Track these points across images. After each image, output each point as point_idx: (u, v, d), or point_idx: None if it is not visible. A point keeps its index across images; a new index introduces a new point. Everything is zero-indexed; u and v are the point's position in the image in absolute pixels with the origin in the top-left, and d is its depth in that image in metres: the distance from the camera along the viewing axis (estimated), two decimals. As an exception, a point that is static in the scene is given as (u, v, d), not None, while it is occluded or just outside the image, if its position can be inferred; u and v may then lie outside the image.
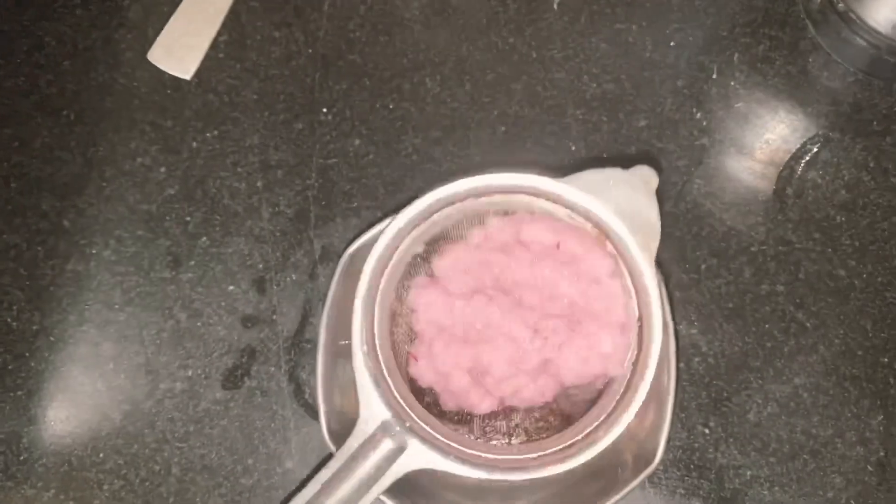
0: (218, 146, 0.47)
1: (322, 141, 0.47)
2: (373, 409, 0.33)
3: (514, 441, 0.37)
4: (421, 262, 0.37)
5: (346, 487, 0.32)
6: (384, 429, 0.33)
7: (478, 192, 0.34)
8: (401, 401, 0.34)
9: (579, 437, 0.33)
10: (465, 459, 0.32)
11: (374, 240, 0.36)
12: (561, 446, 0.33)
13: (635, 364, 0.33)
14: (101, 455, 0.43)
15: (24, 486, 0.43)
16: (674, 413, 0.37)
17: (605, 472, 0.38)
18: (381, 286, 0.35)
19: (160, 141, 0.47)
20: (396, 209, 0.39)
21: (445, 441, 0.33)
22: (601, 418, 0.33)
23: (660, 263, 0.38)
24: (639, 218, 0.33)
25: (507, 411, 0.37)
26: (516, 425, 0.37)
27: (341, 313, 0.37)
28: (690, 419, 0.43)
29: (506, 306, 0.35)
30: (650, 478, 0.42)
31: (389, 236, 0.34)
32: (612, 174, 0.34)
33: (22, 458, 0.43)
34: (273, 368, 0.44)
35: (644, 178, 0.34)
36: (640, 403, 0.32)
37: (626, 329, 0.34)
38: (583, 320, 0.35)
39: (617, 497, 0.36)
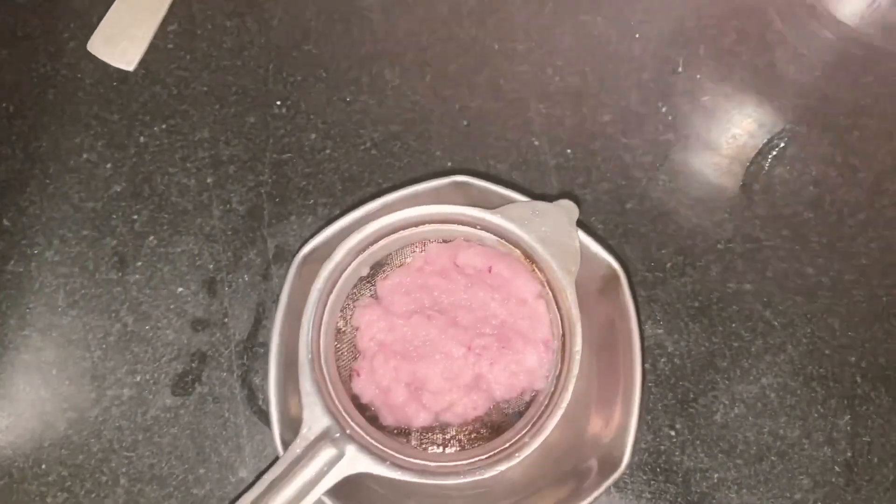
0: (166, 141, 0.45)
1: (276, 135, 0.45)
2: (315, 416, 0.35)
3: (448, 451, 0.38)
4: (366, 283, 0.39)
5: (290, 489, 0.34)
6: (325, 435, 0.34)
7: (419, 221, 0.37)
8: (341, 409, 0.36)
9: (507, 444, 0.35)
10: (400, 465, 0.34)
11: (327, 241, 0.38)
12: (491, 453, 0.35)
13: (558, 377, 0.35)
14: (44, 466, 0.41)
15: (-39, 501, 0.41)
16: (640, 416, 0.36)
17: (570, 479, 0.37)
18: (328, 304, 0.37)
19: (106, 135, 0.45)
20: (354, 206, 0.38)
21: (382, 448, 0.35)
22: (528, 428, 0.35)
23: (623, 262, 0.38)
24: (561, 245, 0.36)
25: (442, 426, 0.38)
26: (451, 437, 0.38)
27: (294, 317, 0.36)
28: (656, 421, 0.42)
29: (442, 325, 0.37)
30: (616, 483, 0.41)
31: (336, 259, 0.36)
32: (538, 206, 0.37)
33: (-41, 470, 0.41)
34: (225, 374, 0.42)
35: (566, 210, 0.37)
36: (562, 412, 0.34)
37: (549, 345, 0.37)
38: (511, 338, 0.37)
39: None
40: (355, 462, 0.34)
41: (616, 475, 0.35)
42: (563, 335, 0.36)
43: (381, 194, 0.39)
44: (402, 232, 0.38)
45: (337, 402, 0.35)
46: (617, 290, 0.37)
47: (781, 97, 0.46)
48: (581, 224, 0.37)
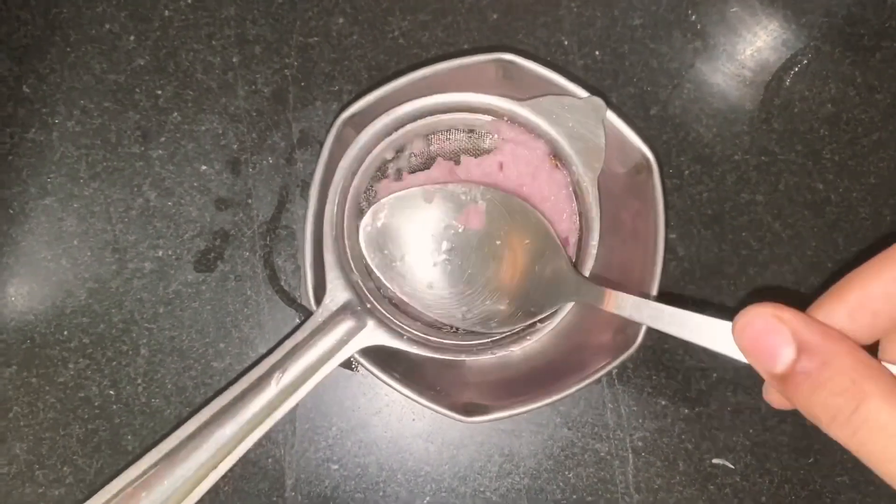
0: (192, 16, 0.44)
1: (303, 17, 0.45)
2: (338, 289, 0.36)
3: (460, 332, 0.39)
4: (390, 166, 0.39)
5: (310, 355, 0.35)
6: (347, 307, 0.36)
7: (447, 108, 0.37)
8: (362, 285, 0.37)
9: (519, 328, 0.37)
10: (416, 340, 0.36)
11: (367, 107, 0.38)
12: (500, 336, 0.37)
13: (578, 251, 0.37)
14: (66, 333, 0.42)
15: (-16, 361, 0.42)
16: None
17: (583, 355, 0.38)
18: (353, 184, 0.37)
19: (129, 6, 0.44)
20: (398, 74, 0.38)
21: (399, 323, 0.36)
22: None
23: (659, 162, 0.38)
24: (587, 141, 0.37)
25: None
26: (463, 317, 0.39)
27: (328, 183, 0.36)
28: (662, 321, 0.43)
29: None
30: (620, 376, 0.43)
31: (363, 140, 0.37)
32: (568, 101, 0.37)
33: (-19, 332, 0.42)
34: (248, 253, 0.43)
35: (595, 107, 0.37)
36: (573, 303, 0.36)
37: (567, 241, 0.38)
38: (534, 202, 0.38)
39: (594, 377, 0.36)
40: (374, 335, 0.35)
41: (629, 352, 0.36)
42: (581, 230, 0.37)
43: (423, 65, 0.38)
44: (428, 118, 0.38)
45: (358, 277, 0.36)
46: (646, 181, 0.38)
47: (808, 14, 0.46)
48: (617, 111, 0.37)
